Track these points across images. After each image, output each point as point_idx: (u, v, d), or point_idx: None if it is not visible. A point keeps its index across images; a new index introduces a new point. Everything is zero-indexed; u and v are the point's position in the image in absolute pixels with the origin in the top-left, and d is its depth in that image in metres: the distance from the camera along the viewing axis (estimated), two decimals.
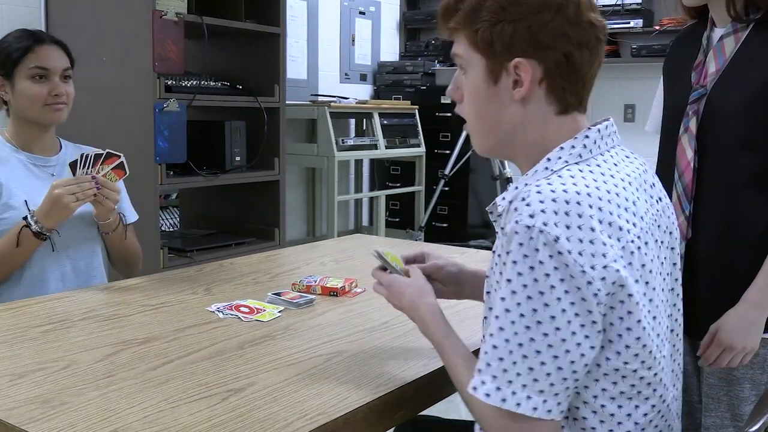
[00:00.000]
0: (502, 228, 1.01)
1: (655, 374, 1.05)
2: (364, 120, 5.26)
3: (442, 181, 5.13)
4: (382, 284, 1.27)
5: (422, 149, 5.23)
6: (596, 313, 0.96)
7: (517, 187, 1.05)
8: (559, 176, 1.00)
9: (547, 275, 0.93)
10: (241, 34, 3.49)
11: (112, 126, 3.10)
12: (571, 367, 0.96)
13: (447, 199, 5.34)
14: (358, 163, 5.57)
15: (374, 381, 1.21)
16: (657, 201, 1.12)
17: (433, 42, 5.82)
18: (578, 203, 0.96)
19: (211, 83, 3.36)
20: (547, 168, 1.04)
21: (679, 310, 1.16)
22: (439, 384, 1.26)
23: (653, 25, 4.97)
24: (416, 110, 5.27)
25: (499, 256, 1.02)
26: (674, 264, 1.14)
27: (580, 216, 0.95)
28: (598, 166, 1.04)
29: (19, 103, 1.88)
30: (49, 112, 1.89)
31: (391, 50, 5.87)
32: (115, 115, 3.09)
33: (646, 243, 1.03)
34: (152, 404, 1.09)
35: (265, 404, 1.11)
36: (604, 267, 0.95)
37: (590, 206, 0.96)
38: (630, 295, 0.98)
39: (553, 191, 0.96)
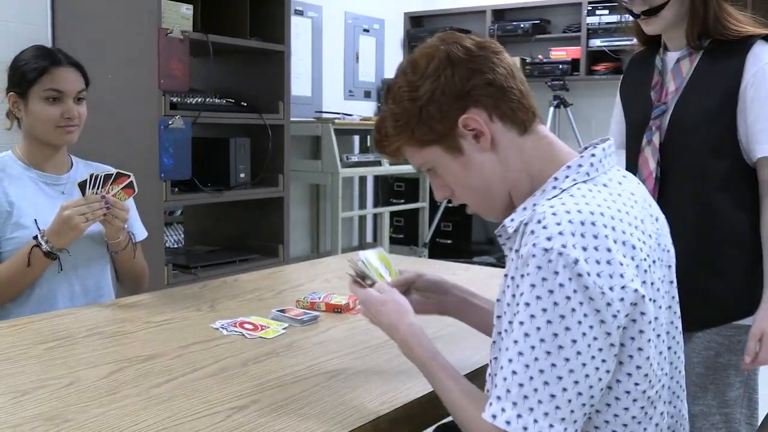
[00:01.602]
0: (517, 250, 1.01)
1: (657, 392, 1.05)
2: (368, 137, 5.27)
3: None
4: (360, 299, 1.24)
5: None
6: (614, 335, 0.95)
7: (525, 208, 1.05)
8: (571, 195, 1.00)
9: (568, 298, 0.92)
10: (245, 51, 3.51)
11: (117, 143, 3.11)
12: (590, 392, 0.95)
13: (451, 215, 5.34)
14: (363, 179, 5.58)
15: (379, 398, 1.20)
16: (656, 220, 1.13)
17: None
18: (593, 223, 0.95)
19: (216, 100, 3.38)
20: (555, 187, 1.04)
21: (677, 328, 1.15)
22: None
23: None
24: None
25: (512, 278, 1.01)
26: (671, 282, 1.14)
27: (596, 237, 0.94)
28: (605, 185, 1.04)
29: (31, 122, 1.88)
30: (61, 134, 1.89)
31: (395, 67, 5.90)
32: (120, 132, 3.10)
33: (654, 261, 1.03)
34: (156, 422, 1.09)
35: (268, 422, 1.10)
36: (623, 287, 0.94)
37: (605, 225, 0.96)
38: (643, 314, 0.98)
39: (568, 212, 0.96)
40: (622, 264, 0.95)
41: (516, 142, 1.08)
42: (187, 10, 3.06)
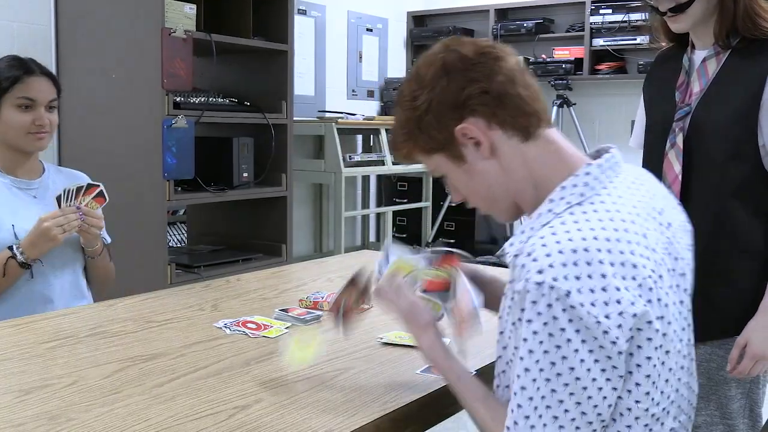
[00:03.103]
0: (512, 281, 1.01)
1: (664, 408, 1.03)
2: (372, 136, 5.27)
3: (449, 197, 5.14)
4: (380, 296, 1.22)
5: None
6: (616, 359, 0.95)
7: (523, 231, 1.05)
8: (563, 223, 0.98)
9: (563, 329, 0.93)
10: (249, 51, 3.51)
11: (120, 142, 3.12)
12: (595, 410, 0.96)
13: (454, 215, 5.34)
14: (366, 179, 5.58)
15: (381, 398, 1.20)
16: (667, 227, 1.09)
17: None
18: (586, 250, 0.94)
19: (219, 100, 3.38)
20: (550, 210, 1.03)
21: (689, 342, 1.13)
22: (446, 402, 1.25)
23: (655, 42, 4.98)
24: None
25: (512, 298, 1.00)
26: (685, 290, 1.11)
27: (589, 264, 0.93)
28: (603, 202, 1.02)
29: (3, 129, 1.94)
30: (32, 141, 1.94)
31: (398, 67, 5.90)
32: (123, 131, 3.11)
33: (660, 276, 1.01)
34: (159, 421, 1.09)
35: (271, 421, 1.10)
36: (620, 313, 0.93)
37: (599, 250, 0.94)
38: (639, 330, 0.97)
39: (558, 242, 0.95)
40: (619, 289, 0.94)
41: (518, 148, 1.07)
42: (191, 9, 3.06)
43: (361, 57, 5.49)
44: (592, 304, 0.92)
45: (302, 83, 4.89)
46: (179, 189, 3.18)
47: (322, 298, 1.74)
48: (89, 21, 3.18)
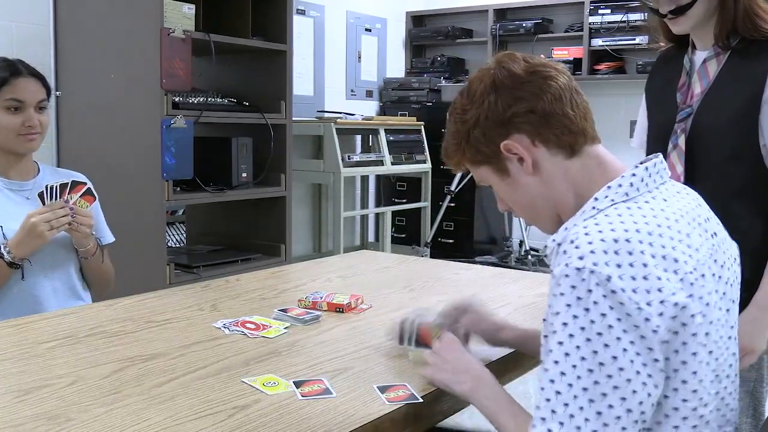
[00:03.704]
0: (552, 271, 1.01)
1: (711, 411, 1.02)
2: (370, 136, 5.27)
3: (448, 197, 5.14)
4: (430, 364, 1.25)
5: (428, 165, 5.24)
6: (657, 350, 0.94)
7: (566, 228, 1.05)
8: (606, 215, 1.00)
9: (604, 315, 0.92)
10: (247, 51, 3.51)
11: (119, 142, 3.12)
12: (640, 407, 0.94)
13: (453, 215, 5.34)
14: (364, 179, 5.58)
15: (381, 398, 1.20)
16: (712, 236, 1.09)
17: (438, 59, 5.84)
18: (627, 240, 0.95)
19: (218, 100, 3.38)
20: (594, 207, 1.04)
21: (734, 354, 1.11)
22: (445, 400, 1.25)
23: (654, 42, 4.98)
24: (422, 126, 5.28)
25: (553, 296, 1.00)
26: (732, 300, 1.10)
27: (630, 253, 0.94)
28: (647, 202, 1.03)
29: None
30: (23, 142, 1.93)
31: (397, 67, 5.90)
32: (122, 131, 3.11)
33: (702, 275, 1.00)
34: (158, 421, 1.09)
35: (271, 421, 1.10)
36: (661, 302, 0.93)
37: (640, 242, 0.95)
38: (684, 325, 0.96)
39: (600, 231, 0.96)
40: (660, 278, 0.94)
41: (561, 165, 1.09)
42: (189, 9, 3.06)
43: (360, 57, 5.49)
44: (634, 291, 0.92)
45: (301, 83, 4.89)
46: (178, 189, 3.18)
47: (321, 298, 1.74)
48: (88, 21, 3.18)
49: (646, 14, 4.92)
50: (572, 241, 0.97)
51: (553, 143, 1.08)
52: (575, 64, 5.25)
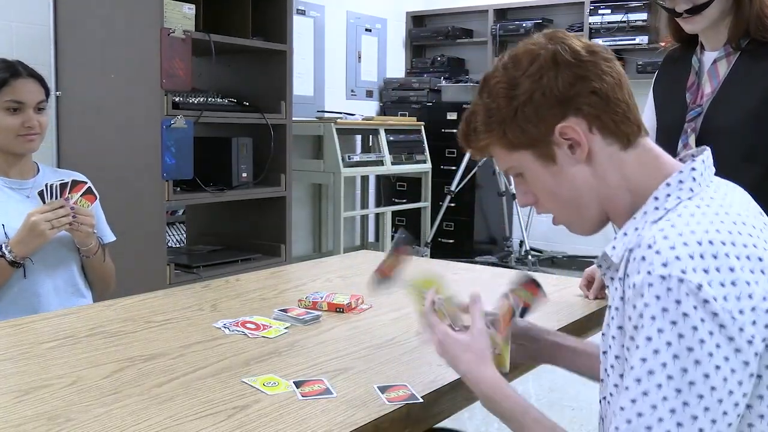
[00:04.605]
0: (622, 279, 0.93)
1: None
2: (371, 136, 5.27)
3: (448, 197, 5.14)
4: (434, 334, 1.14)
5: (428, 165, 5.24)
6: (752, 363, 0.85)
7: (626, 234, 0.98)
8: (679, 215, 0.92)
9: (695, 328, 0.83)
10: (248, 51, 3.51)
11: (119, 142, 3.12)
12: (729, 429, 0.85)
13: (453, 215, 5.34)
14: (365, 179, 5.58)
15: (381, 398, 1.20)
16: None
17: (438, 59, 5.84)
18: (711, 242, 0.87)
19: (218, 100, 3.38)
20: (657, 207, 0.96)
21: None
22: (445, 401, 1.25)
23: (658, 42, 4.98)
24: (422, 126, 5.29)
25: (616, 309, 0.93)
26: None
27: (715, 257, 0.86)
28: (712, 198, 0.95)
29: None
30: (22, 143, 1.94)
31: (397, 67, 5.90)
32: (122, 131, 3.11)
33: None
34: (158, 421, 1.09)
35: (270, 421, 1.10)
36: (753, 309, 0.85)
37: (723, 243, 0.87)
38: None
39: (680, 234, 0.88)
40: (749, 283, 0.85)
41: (617, 156, 1.00)
42: (189, 9, 3.06)
43: (360, 57, 5.49)
44: (725, 299, 0.84)
45: (301, 83, 4.89)
46: (178, 189, 3.17)
47: (321, 298, 1.74)
48: (88, 21, 3.18)
49: (647, 14, 4.93)
50: (650, 246, 0.88)
51: (610, 131, 0.99)
52: None
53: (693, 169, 0.98)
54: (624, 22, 5.03)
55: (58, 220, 1.84)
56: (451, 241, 5.45)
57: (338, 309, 1.71)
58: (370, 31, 5.58)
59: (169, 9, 2.97)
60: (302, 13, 4.93)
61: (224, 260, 3.41)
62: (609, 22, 5.12)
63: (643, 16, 4.98)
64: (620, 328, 0.92)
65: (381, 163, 4.91)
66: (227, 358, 1.37)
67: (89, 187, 1.93)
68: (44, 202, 1.86)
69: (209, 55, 3.19)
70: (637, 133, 1.01)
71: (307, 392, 1.21)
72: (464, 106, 5.22)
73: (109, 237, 2.15)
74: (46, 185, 1.87)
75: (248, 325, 1.57)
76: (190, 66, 3.06)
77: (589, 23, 5.19)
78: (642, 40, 4.99)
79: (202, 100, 3.25)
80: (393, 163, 4.95)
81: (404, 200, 5.44)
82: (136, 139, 3.07)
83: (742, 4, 1.52)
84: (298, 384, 1.24)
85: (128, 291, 1.91)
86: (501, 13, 5.72)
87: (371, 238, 5.68)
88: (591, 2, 5.19)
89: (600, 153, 1.00)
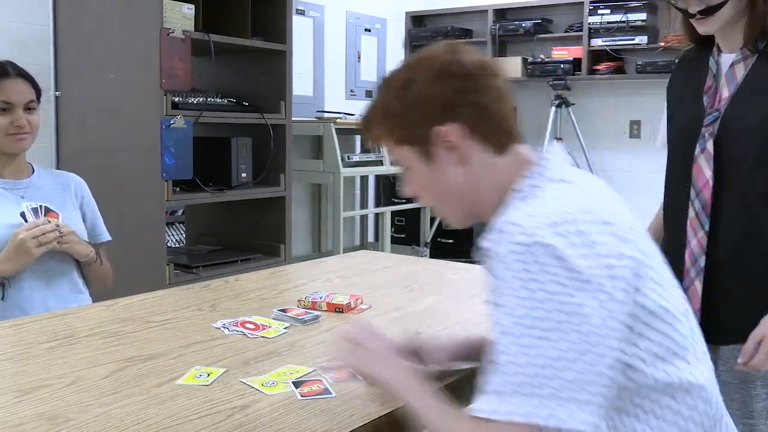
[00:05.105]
0: (491, 256, 0.99)
1: (687, 338, 1.03)
2: None
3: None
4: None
5: None
6: (613, 311, 0.93)
7: (497, 227, 1.03)
8: (536, 197, 1.03)
9: (553, 282, 0.92)
10: (247, 51, 3.51)
11: (119, 142, 3.12)
12: (592, 368, 0.91)
13: None
14: (364, 179, 5.57)
15: (380, 398, 1.20)
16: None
17: None
18: (566, 212, 0.97)
19: (218, 100, 3.38)
20: (518, 198, 1.06)
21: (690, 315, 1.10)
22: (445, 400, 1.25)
23: (658, 42, 4.98)
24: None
25: (496, 278, 0.98)
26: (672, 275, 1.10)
27: (569, 222, 0.95)
28: (571, 182, 1.07)
29: None
30: (13, 142, 1.96)
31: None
32: (122, 131, 3.11)
33: (640, 237, 1.03)
34: (157, 421, 1.09)
35: (270, 421, 1.10)
36: (607, 266, 0.94)
37: (580, 211, 0.98)
38: (639, 277, 0.97)
39: (537, 209, 0.98)
40: (599, 243, 0.95)
41: (490, 161, 1.10)
42: (189, 9, 3.06)
43: (359, 57, 5.49)
44: (579, 256, 0.93)
45: (301, 83, 4.88)
46: (178, 189, 3.17)
47: (321, 298, 1.74)
48: (88, 21, 3.18)
49: (647, 14, 4.93)
50: (510, 222, 0.97)
51: (486, 138, 1.09)
52: (575, 64, 5.25)
53: (546, 159, 1.10)
54: (623, 22, 5.03)
55: (45, 236, 1.87)
56: (450, 241, 5.45)
57: (338, 309, 1.71)
58: (369, 31, 5.58)
59: (169, 9, 2.97)
60: (302, 13, 4.93)
61: (224, 260, 3.41)
62: (608, 22, 5.12)
63: (643, 16, 4.98)
64: (503, 294, 0.97)
65: (380, 163, 4.91)
66: (227, 358, 1.37)
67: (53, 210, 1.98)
68: (26, 221, 1.89)
69: (209, 55, 3.19)
70: (511, 141, 1.11)
71: (306, 392, 1.21)
72: None
73: (106, 236, 2.16)
74: (27, 206, 1.92)
75: (248, 325, 1.57)
76: (190, 66, 3.06)
77: (589, 23, 5.19)
78: (641, 40, 4.98)
79: (201, 100, 3.25)
80: (392, 163, 4.95)
81: (404, 200, 5.44)
82: (135, 139, 3.07)
83: (756, 5, 1.50)
84: (297, 384, 1.24)
85: (128, 291, 1.91)
86: (500, 13, 5.71)
87: (371, 238, 5.68)
88: (590, 2, 5.19)
89: (475, 157, 1.09)
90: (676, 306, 1.04)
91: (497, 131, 1.09)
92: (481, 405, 0.93)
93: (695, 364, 1.04)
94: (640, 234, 1.04)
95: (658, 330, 1.00)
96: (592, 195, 1.06)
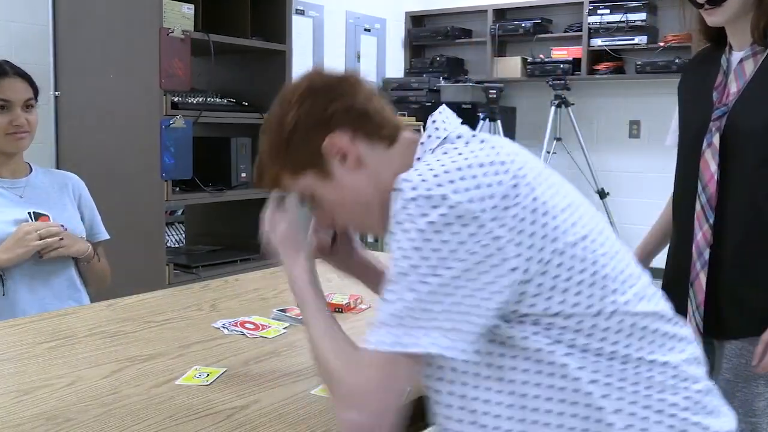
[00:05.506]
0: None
1: (617, 271, 1.01)
2: None
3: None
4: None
5: None
6: (504, 254, 0.94)
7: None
8: (431, 158, 1.03)
9: (449, 224, 0.93)
10: (247, 51, 3.51)
11: (118, 142, 3.12)
12: (488, 304, 0.95)
13: None
14: None
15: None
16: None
17: (438, 59, 5.84)
18: (453, 161, 0.98)
19: (218, 100, 3.38)
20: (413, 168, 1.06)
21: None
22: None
23: (657, 42, 4.99)
24: (421, 126, 5.28)
25: (392, 234, 1.01)
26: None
27: (459, 170, 0.97)
28: (468, 142, 1.06)
29: None
30: (12, 141, 1.97)
31: (396, 67, 5.90)
32: (121, 131, 3.11)
33: (540, 174, 1.02)
34: (157, 421, 1.09)
35: (270, 421, 1.10)
36: (494, 207, 0.95)
37: (466, 158, 0.99)
38: (543, 213, 0.97)
39: (428, 166, 0.99)
40: (491, 185, 0.96)
41: (384, 155, 1.11)
42: (189, 9, 3.06)
43: (359, 57, 5.49)
44: (470, 201, 0.94)
45: None
46: (177, 189, 3.17)
47: None
48: (87, 21, 3.18)
49: (646, 14, 4.93)
50: (403, 180, 0.98)
51: (373, 136, 1.10)
52: (574, 64, 5.26)
53: (436, 128, 1.10)
54: (623, 22, 5.03)
55: (47, 230, 1.89)
56: None
57: (337, 309, 1.71)
58: (369, 31, 5.58)
59: (168, 9, 2.97)
60: (301, 13, 4.93)
61: (223, 260, 3.41)
62: (608, 22, 5.12)
63: (643, 16, 4.99)
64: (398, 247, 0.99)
65: None
66: (226, 358, 1.37)
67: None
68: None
69: (208, 55, 3.19)
70: (396, 131, 1.13)
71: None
72: (463, 106, 5.22)
73: (104, 235, 2.17)
74: (30, 213, 1.94)
75: (247, 325, 1.57)
76: (189, 66, 3.06)
77: (588, 23, 5.20)
78: (641, 40, 4.99)
79: (201, 100, 3.25)
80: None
81: None
82: (135, 139, 3.07)
83: None
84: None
85: (127, 291, 1.91)
86: (500, 13, 5.72)
87: (371, 237, 5.68)
88: (590, 2, 5.20)
89: (369, 156, 1.11)
90: (590, 228, 1.02)
91: (380, 126, 1.11)
92: (368, 337, 0.97)
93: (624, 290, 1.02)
94: (536, 171, 1.03)
95: (576, 257, 0.99)
96: (496, 147, 1.04)
